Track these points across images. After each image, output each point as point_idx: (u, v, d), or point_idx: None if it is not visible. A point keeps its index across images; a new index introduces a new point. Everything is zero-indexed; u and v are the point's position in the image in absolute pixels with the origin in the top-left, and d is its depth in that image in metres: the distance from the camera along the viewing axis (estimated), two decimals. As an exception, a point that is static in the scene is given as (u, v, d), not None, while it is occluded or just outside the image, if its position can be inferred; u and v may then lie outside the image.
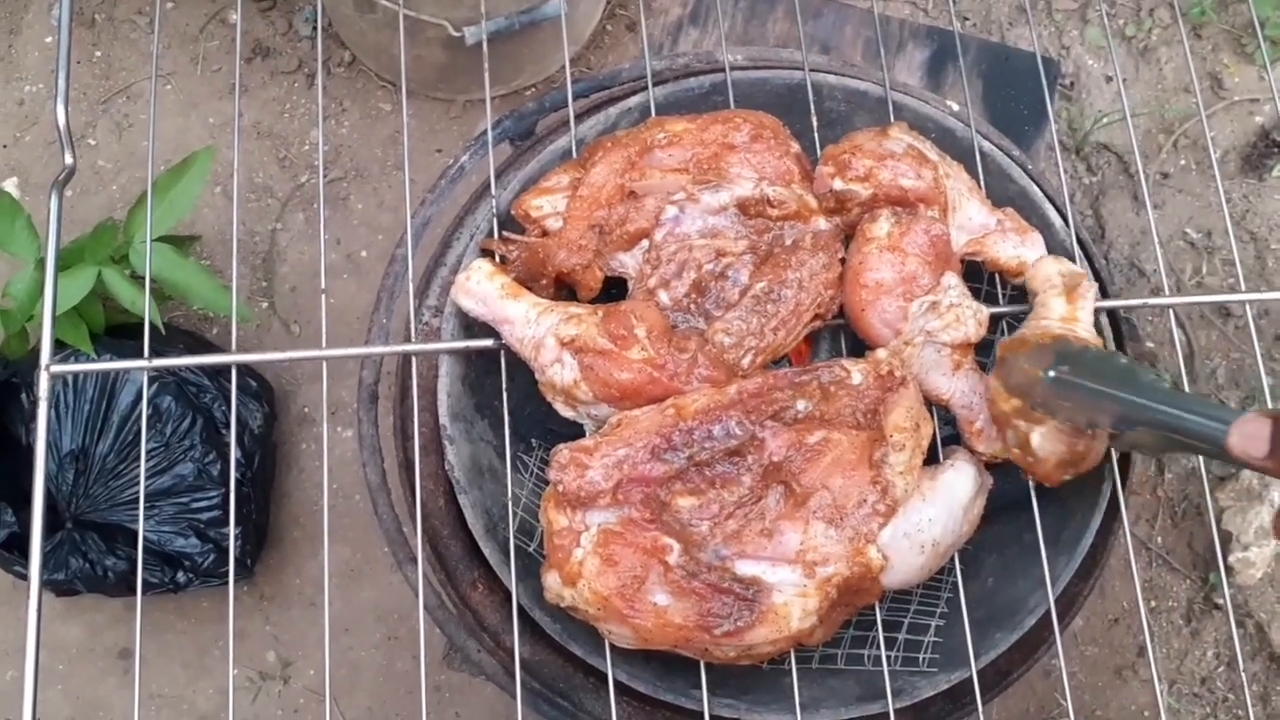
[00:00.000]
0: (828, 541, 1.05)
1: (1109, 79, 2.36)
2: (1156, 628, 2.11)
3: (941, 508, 1.10)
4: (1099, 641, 2.09)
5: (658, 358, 1.11)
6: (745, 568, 1.04)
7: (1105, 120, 2.30)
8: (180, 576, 1.88)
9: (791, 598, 1.04)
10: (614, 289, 1.23)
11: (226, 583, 1.91)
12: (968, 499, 1.13)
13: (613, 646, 1.11)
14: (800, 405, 1.10)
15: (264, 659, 2.06)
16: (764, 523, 1.06)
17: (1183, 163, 2.32)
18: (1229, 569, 2.04)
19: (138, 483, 1.90)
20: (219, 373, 1.95)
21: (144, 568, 1.83)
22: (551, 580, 1.07)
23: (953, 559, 1.17)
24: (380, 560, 2.10)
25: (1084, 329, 1.14)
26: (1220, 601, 2.09)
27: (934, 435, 1.17)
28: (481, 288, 1.19)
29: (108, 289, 1.79)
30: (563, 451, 1.08)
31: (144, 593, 1.87)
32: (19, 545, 1.83)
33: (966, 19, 2.39)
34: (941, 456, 1.19)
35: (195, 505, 1.89)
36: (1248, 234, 2.27)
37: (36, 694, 1.01)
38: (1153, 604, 2.12)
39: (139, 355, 1.17)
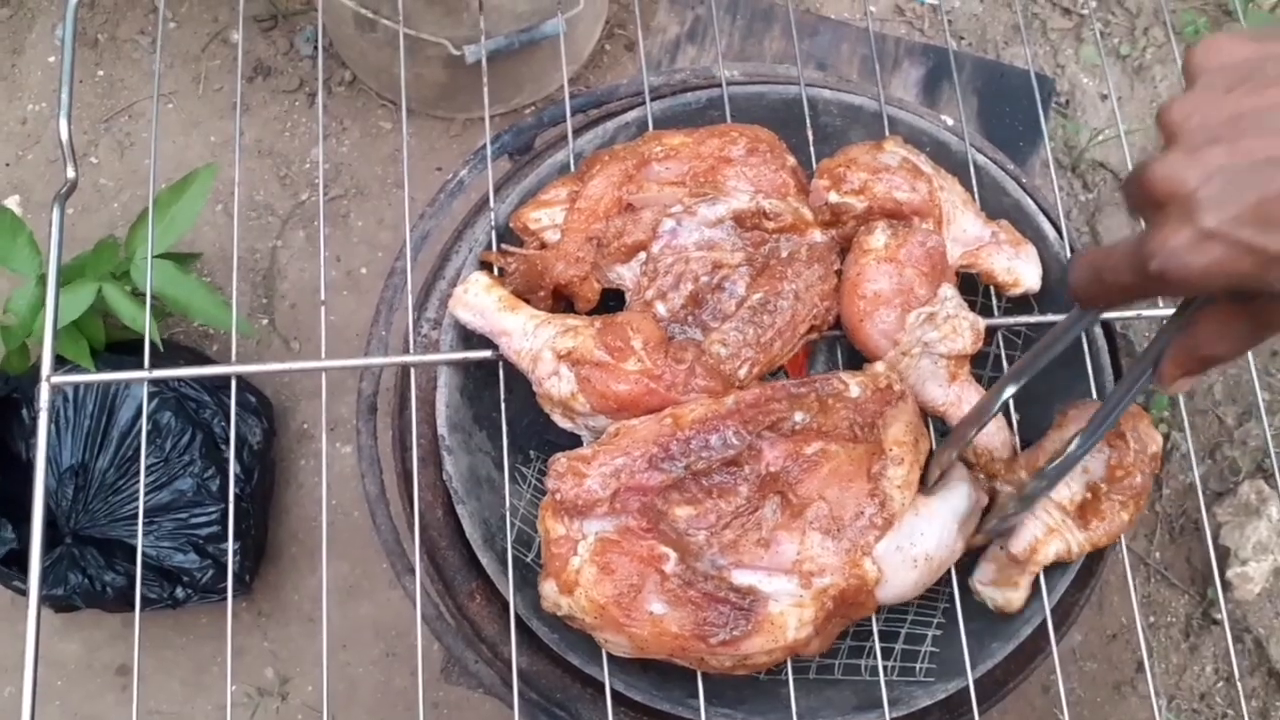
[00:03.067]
0: (824, 552, 1.06)
1: (1104, 97, 2.37)
2: (1155, 643, 2.11)
3: (935, 522, 1.10)
4: (1098, 657, 2.09)
5: (654, 369, 1.11)
6: (742, 577, 1.04)
7: (1100, 138, 2.32)
8: (179, 592, 1.89)
9: (788, 608, 1.04)
10: (612, 301, 1.23)
11: (225, 599, 1.91)
12: (963, 515, 1.13)
13: (610, 656, 1.12)
14: (798, 417, 1.11)
15: (262, 675, 2.06)
16: (761, 533, 1.06)
17: (1178, 180, 2.33)
18: (1227, 584, 2.04)
19: (137, 498, 1.90)
20: (219, 388, 1.96)
21: (143, 583, 1.83)
22: (548, 588, 1.07)
23: (950, 570, 1.17)
24: (379, 576, 2.10)
25: None
26: (1218, 617, 2.10)
27: (930, 451, 1.17)
28: (479, 300, 1.20)
29: (108, 305, 1.80)
30: (560, 460, 1.08)
31: (142, 608, 1.87)
32: (18, 561, 1.83)
33: (962, 38, 2.41)
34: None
35: (194, 521, 1.90)
36: (1243, 250, 2.28)
37: (35, 711, 1.01)
38: (1151, 619, 2.12)
39: (136, 369, 1.17)
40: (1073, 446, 1.00)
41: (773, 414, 1.10)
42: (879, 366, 1.16)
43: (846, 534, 1.06)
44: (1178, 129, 0.69)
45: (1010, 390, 0.99)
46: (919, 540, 1.08)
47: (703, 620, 1.04)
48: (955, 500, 1.12)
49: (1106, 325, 1.31)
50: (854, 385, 1.13)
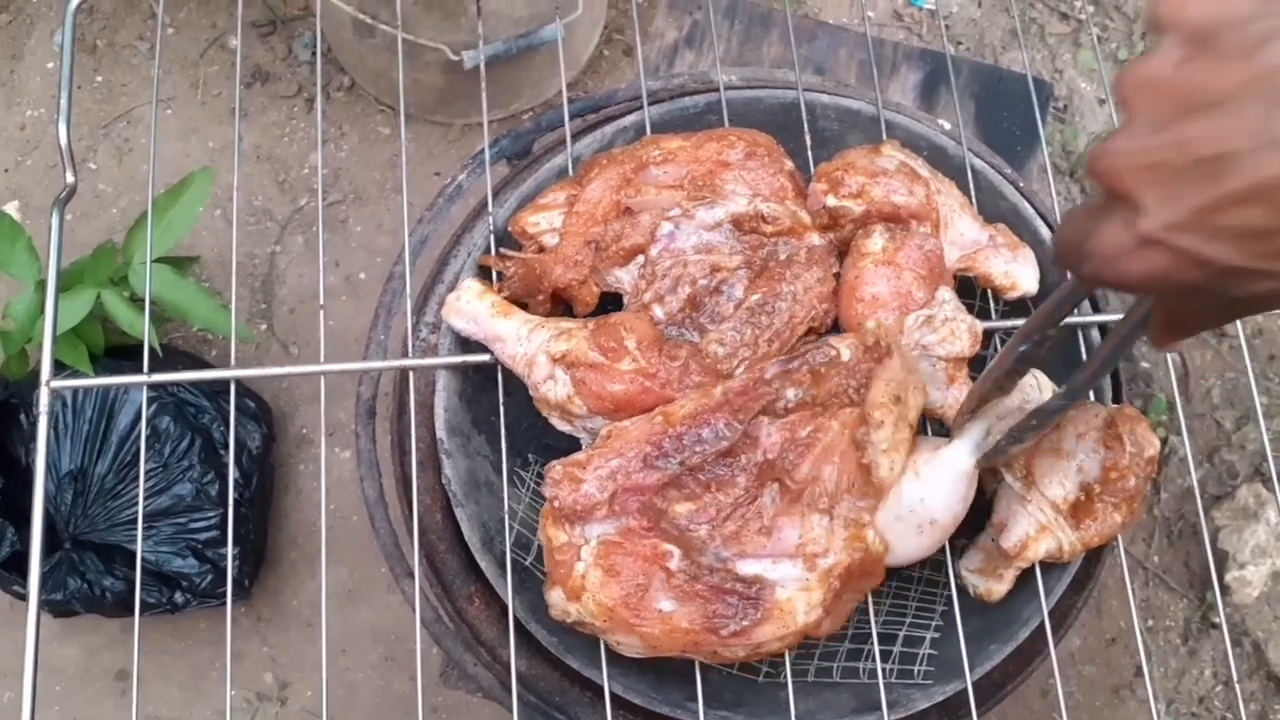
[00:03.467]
0: (824, 532, 1.06)
1: (1102, 102, 2.38)
2: (1154, 647, 2.11)
3: (937, 485, 1.08)
4: (1096, 661, 2.09)
5: (649, 367, 1.12)
6: (747, 567, 1.05)
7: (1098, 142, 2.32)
8: (178, 597, 1.89)
9: (795, 592, 1.05)
10: (610, 304, 1.24)
11: (224, 603, 1.91)
12: (969, 470, 1.10)
13: (609, 658, 1.12)
14: (790, 394, 1.10)
15: (261, 680, 2.06)
16: (762, 521, 1.06)
17: (1175, 184, 2.33)
18: (1225, 588, 2.04)
19: (136, 503, 1.90)
20: (217, 393, 1.96)
21: (142, 588, 1.83)
22: (555, 597, 1.07)
23: (948, 573, 1.18)
24: (377, 581, 2.10)
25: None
26: (1217, 620, 2.10)
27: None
28: (472, 307, 1.20)
29: (107, 311, 1.80)
30: (556, 467, 1.09)
31: (141, 613, 1.87)
32: (18, 565, 1.83)
33: (960, 43, 2.41)
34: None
35: (193, 526, 1.90)
36: (1240, 254, 2.29)
37: (34, 715, 1.02)
38: (1150, 623, 2.12)
39: (134, 374, 1.18)
40: (1078, 377, 0.94)
41: (763, 397, 1.09)
42: (870, 323, 1.14)
43: (840, 510, 1.06)
44: (1129, 103, 0.57)
45: (1022, 347, 0.94)
46: (920, 506, 1.07)
47: (712, 613, 1.04)
48: (959, 456, 1.10)
49: (1102, 327, 1.31)
50: (844, 349, 1.11)
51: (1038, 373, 1.14)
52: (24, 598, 1.87)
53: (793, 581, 1.05)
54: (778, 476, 1.07)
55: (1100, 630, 2.11)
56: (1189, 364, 2.22)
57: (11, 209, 2.27)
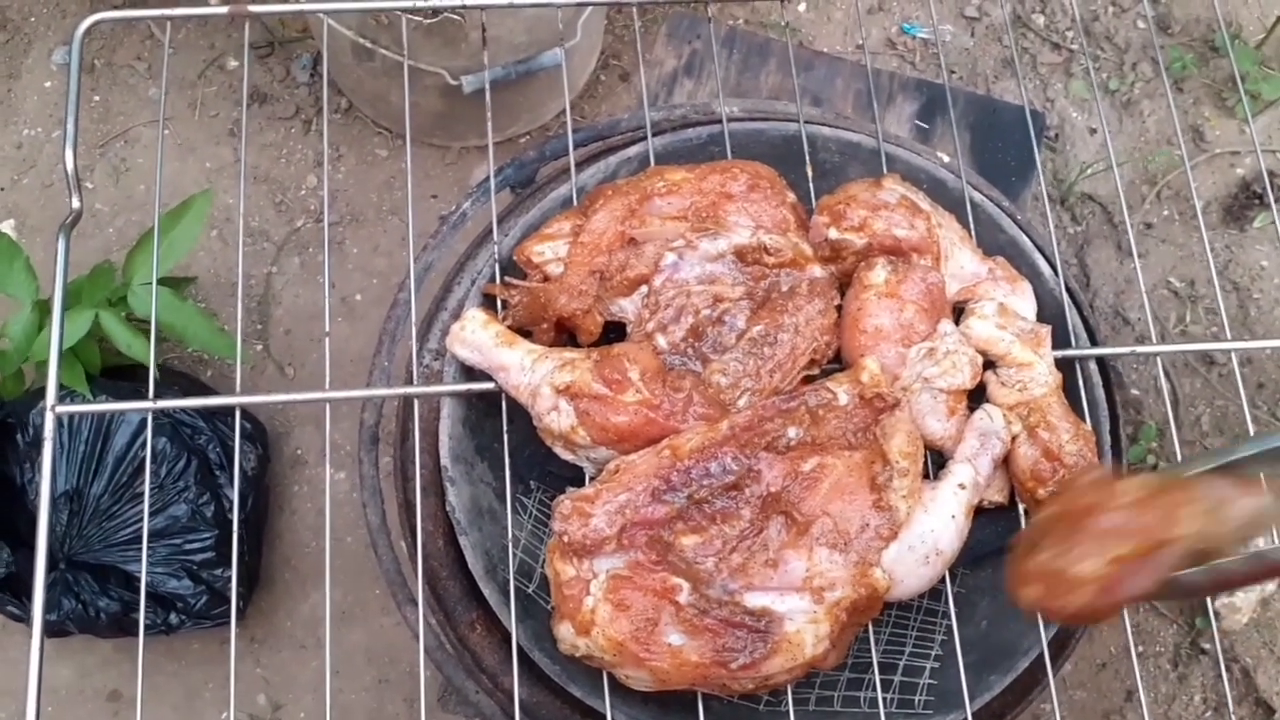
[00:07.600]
0: (833, 566, 1.07)
1: (1093, 131, 2.40)
2: (1144, 672, 2.12)
3: (944, 517, 1.12)
4: (1087, 686, 2.10)
5: (653, 398, 1.13)
6: (754, 599, 1.06)
7: (1090, 171, 2.34)
8: (173, 618, 1.88)
9: (803, 625, 1.06)
10: (613, 334, 1.25)
11: (218, 624, 1.91)
12: (968, 500, 1.15)
13: (611, 687, 1.12)
14: (791, 432, 1.12)
15: (254, 701, 2.05)
16: (768, 553, 1.07)
17: (1165, 213, 2.36)
18: (1215, 614, 2.06)
19: (131, 524, 1.90)
20: (214, 414, 1.96)
21: (138, 608, 1.83)
22: (564, 631, 1.08)
23: (947, 603, 1.19)
24: (371, 602, 2.10)
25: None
26: (1207, 647, 2.11)
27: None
28: (476, 336, 1.21)
29: (104, 331, 1.80)
30: (565, 502, 1.09)
31: (138, 634, 1.86)
32: (12, 586, 1.83)
33: (953, 72, 2.44)
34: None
35: (189, 547, 1.89)
36: (1230, 283, 2.31)
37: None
38: (1140, 649, 2.13)
39: (135, 396, 1.18)
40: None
41: (767, 434, 1.11)
42: (865, 374, 1.16)
43: (854, 547, 1.08)
44: None
45: None
46: (929, 537, 1.11)
47: (721, 647, 1.05)
48: (959, 487, 1.14)
49: (1100, 361, 1.33)
50: (841, 393, 1.14)
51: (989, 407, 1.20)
52: (18, 618, 1.87)
53: (800, 614, 1.06)
54: (783, 509, 1.08)
55: (1090, 655, 2.12)
56: (1179, 391, 2.24)
57: (8, 227, 2.26)
